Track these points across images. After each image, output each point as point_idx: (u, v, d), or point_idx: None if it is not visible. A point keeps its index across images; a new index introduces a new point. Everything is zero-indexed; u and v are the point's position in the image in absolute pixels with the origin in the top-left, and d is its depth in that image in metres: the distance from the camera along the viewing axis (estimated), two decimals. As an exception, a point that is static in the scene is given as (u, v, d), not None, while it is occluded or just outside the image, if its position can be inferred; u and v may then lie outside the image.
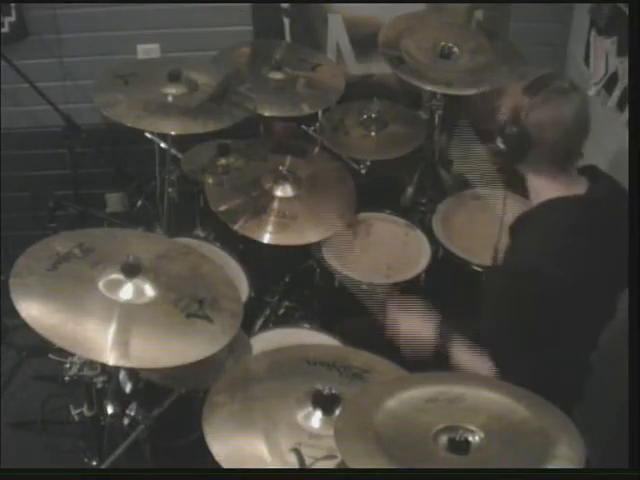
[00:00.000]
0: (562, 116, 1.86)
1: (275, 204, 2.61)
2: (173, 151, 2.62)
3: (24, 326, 1.63)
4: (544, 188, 1.93)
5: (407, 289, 2.49)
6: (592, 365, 2.01)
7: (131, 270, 1.80)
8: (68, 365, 2.02)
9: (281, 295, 2.79)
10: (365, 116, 2.90)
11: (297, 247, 2.58)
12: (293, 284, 2.83)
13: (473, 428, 1.45)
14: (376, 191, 2.88)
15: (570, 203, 1.90)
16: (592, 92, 2.70)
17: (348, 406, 1.68)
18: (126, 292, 1.79)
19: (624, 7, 2.50)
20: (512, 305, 1.85)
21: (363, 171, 2.83)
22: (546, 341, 1.83)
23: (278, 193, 2.64)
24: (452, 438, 1.44)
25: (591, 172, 1.97)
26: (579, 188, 1.92)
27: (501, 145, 1.94)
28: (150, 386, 2.06)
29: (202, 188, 2.70)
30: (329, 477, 1.56)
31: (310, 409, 1.75)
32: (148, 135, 2.66)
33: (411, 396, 1.56)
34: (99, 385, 2.04)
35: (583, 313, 1.85)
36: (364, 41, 3.12)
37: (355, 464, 1.39)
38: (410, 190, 3.03)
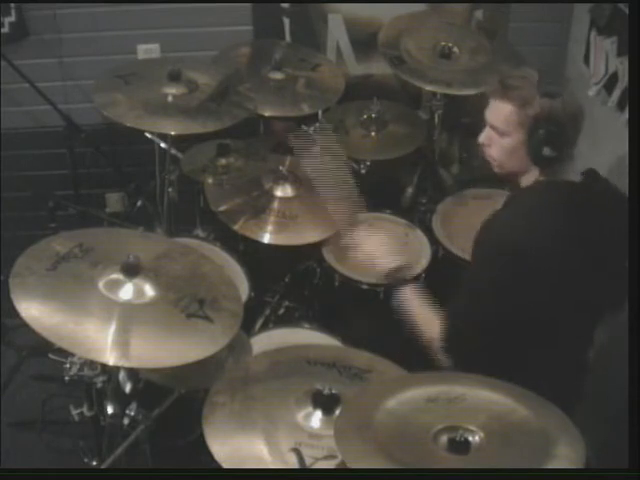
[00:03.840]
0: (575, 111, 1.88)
1: (275, 204, 2.61)
2: (173, 151, 2.62)
3: (24, 326, 1.63)
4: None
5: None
6: (589, 363, 2.01)
7: (131, 270, 1.80)
8: (68, 365, 2.01)
9: (281, 295, 2.79)
10: (365, 116, 2.90)
11: (297, 247, 2.58)
12: (293, 284, 2.83)
13: (473, 428, 1.45)
14: (376, 191, 2.88)
15: (559, 185, 1.91)
16: (592, 92, 2.70)
17: (348, 406, 1.68)
18: (126, 292, 1.78)
19: (624, 7, 2.50)
20: (492, 285, 1.86)
21: (363, 171, 2.83)
22: (534, 328, 1.83)
23: (278, 193, 2.63)
24: (452, 438, 1.44)
25: (590, 174, 1.97)
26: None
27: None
28: (150, 386, 2.06)
29: (202, 188, 2.70)
30: (329, 477, 1.56)
31: (310, 409, 1.75)
32: (148, 135, 2.66)
33: (411, 396, 1.56)
34: (99, 385, 2.04)
35: (567, 298, 1.85)
36: (364, 41, 3.12)
37: (355, 464, 1.39)
38: (410, 190, 3.03)
